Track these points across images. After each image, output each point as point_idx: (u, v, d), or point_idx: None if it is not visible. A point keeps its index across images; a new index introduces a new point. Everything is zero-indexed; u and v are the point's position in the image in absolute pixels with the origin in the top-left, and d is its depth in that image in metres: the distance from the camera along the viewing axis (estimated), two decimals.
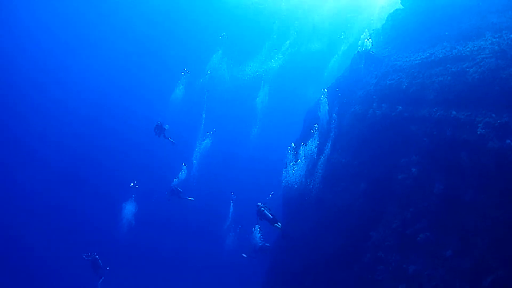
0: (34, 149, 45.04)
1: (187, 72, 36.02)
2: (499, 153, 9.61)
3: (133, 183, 24.98)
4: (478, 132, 10.37)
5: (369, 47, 16.37)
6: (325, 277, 13.49)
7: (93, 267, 18.27)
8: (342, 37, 34.39)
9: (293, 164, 17.00)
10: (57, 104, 49.21)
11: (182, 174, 27.21)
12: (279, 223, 15.04)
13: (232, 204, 28.37)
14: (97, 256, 18.34)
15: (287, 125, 28.57)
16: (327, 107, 16.36)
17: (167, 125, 20.90)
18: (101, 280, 18.70)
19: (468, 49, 12.44)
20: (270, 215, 15.05)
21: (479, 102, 11.01)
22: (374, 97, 14.14)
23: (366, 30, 17.41)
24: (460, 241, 9.72)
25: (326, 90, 17.13)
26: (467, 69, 11.79)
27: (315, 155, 15.72)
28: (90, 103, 49.80)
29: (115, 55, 50.48)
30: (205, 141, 33.31)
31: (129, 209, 28.87)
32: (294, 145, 17.72)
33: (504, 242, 8.77)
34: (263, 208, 15.18)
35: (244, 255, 18.52)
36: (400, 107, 12.74)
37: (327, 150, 15.49)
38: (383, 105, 13.37)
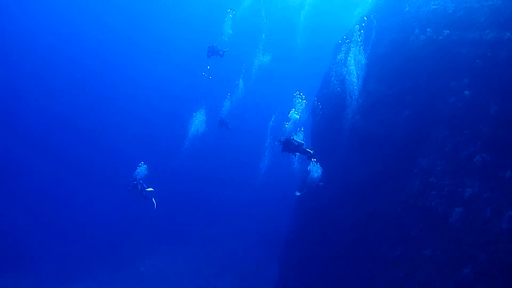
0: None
1: None
2: None
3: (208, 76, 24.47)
4: None
5: None
6: (363, 206, 12.94)
7: (140, 192, 17.12)
8: None
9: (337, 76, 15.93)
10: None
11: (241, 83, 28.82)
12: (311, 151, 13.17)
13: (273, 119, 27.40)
14: (140, 180, 17.14)
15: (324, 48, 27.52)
16: (362, 37, 15.38)
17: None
18: (153, 200, 17.68)
19: None
20: (302, 141, 13.02)
21: None
22: (414, 23, 13.31)
23: None
24: None
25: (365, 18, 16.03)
26: None
27: (353, 80, 14.77)
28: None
29: None
30: (264, 57, 33.16)
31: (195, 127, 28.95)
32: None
33: None
34: (293, 136, 13.16)
35: (298, 193, 17.00)
36: (447, 31, 11.99)
37: (362, 78, 14.66)
38: (428, 29, 12.58)
